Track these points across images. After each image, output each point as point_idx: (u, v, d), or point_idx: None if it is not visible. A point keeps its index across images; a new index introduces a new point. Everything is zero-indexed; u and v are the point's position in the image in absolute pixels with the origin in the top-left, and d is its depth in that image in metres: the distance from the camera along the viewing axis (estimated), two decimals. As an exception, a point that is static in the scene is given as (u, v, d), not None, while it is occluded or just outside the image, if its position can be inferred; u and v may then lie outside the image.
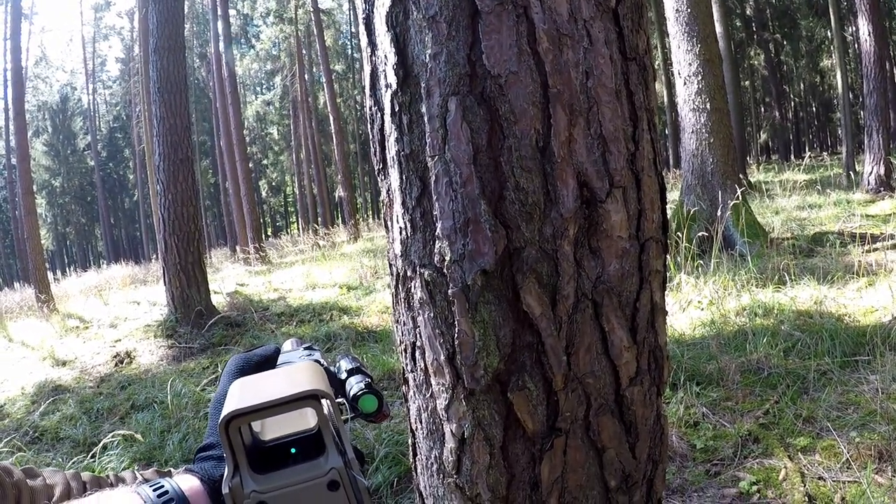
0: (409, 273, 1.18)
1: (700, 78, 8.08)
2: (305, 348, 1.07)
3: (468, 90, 1.04)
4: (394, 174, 1.17)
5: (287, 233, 58.36)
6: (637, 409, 1.17)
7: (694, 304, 5.83)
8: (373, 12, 1.18)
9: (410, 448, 1.32)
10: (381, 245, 17.05)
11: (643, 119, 1.14)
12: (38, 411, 5.80)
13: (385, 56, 1.15)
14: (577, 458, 1.14)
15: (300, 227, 40.36)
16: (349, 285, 9.86)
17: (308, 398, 0.70)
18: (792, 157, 39.34)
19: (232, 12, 31.13)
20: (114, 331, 9.27)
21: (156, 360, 7.24)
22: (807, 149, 44.73)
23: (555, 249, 1.05)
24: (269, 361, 0.98)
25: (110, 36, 57.63)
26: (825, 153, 39.86)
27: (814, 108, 47.15)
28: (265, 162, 45.78)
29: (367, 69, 1.23)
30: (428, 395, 1.21)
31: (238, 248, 24.71)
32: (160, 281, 16.88)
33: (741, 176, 8.97)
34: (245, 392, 0.73)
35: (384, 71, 1.16)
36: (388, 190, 1.22)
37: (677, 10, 8.16)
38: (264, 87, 53.04)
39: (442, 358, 1.13)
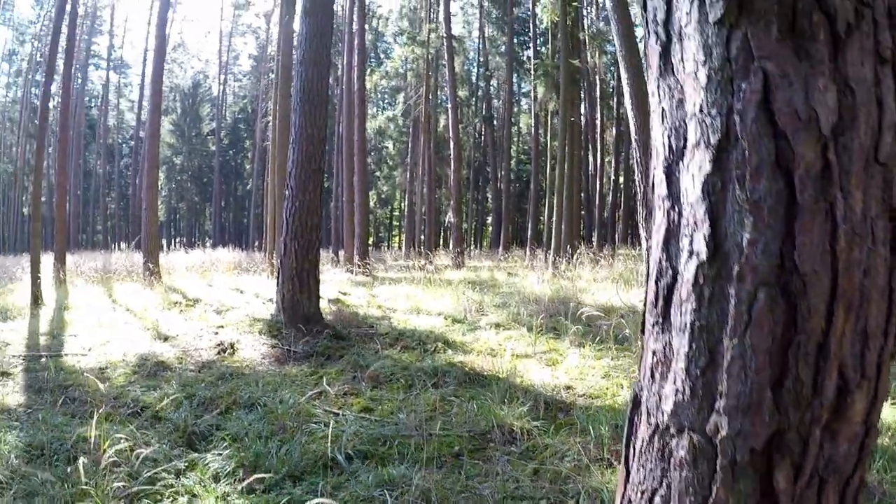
0: (672, 430, 1.26)
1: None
2: None
3: (775, 281, 1.10)
4: (681, 338, 1.23)
5: (388, 246, 59.27)
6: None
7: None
8: (680, 167, 1.22)
9: None
10: (486, 278, 16.85)
11: (894, 314, 1.19)
12: (140, 385, 5.80)
13: (694, 222, 1.19)
14: None
15: (403, 242, 40.76)
16: (454, 317, 9.65)
17: None
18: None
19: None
20: (217, 317, 9.38)
21: (258, 357, 7.19)
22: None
23: (808, 433, 1.15)
24: None
25: (246, 34, 60.25)
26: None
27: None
28: (378, 174, 46.56)
29: (660, 219, 1.28)
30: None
31: (342, 253, 25.01)
32: (263, 273, 17.34)
33: None
34: None
35: (688, 235, 1.21)
36: (667, 346, 1.27)
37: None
38: (386, 101, 54.12)
39: (689, 514, 1.23)
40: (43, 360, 6.80)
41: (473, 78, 45.39)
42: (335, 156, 34.99)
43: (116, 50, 57.12)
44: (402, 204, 47.57)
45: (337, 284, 15.63)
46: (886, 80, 1.12)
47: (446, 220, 36.99)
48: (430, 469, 3.88)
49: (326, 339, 7.72)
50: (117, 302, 11.07)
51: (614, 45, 14.75)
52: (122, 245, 53.49)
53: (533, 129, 34.34)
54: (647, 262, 1.35)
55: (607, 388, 5.70)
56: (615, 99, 35.64)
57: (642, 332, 1.38)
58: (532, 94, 32.50)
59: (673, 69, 1.24)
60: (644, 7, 1.34)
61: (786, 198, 1.08)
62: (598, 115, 36.54)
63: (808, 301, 1.09)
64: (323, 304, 10.33)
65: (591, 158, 38.21)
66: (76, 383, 5.78)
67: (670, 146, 1.24)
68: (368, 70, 31.14)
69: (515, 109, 47.07)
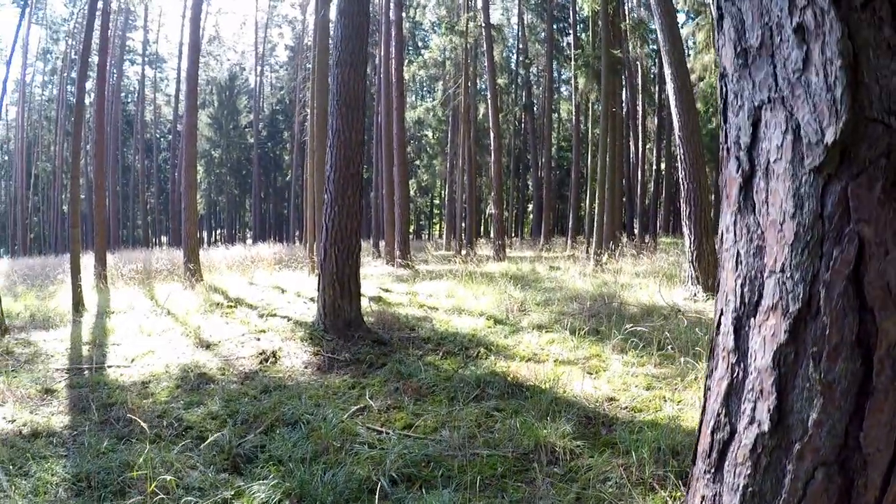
0: None
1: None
2: None
3: (835, 460, 1.03)
4: (732, 498, 1.18)
5: (429, 234, 59.32)
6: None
7: None
8: (751, 324, 1.12)
9: None
10: (527, 271, 16.70)
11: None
12: (183, 401, 5.75)
13: (760, 390, 1.11)
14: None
15: (444, 232, 40.71)
16: (496, 317, 9.51)
17: None
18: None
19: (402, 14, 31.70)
20: (260, 320, 9.35)
21: (300, 365, 7.12)
22: None
23: None
24: None
25: (282, 25, 60.54)
26: None
27: None
28: (417, 163, 46.49)
29: (723, 371, 1.21)
30: None
31: (382, 245, 25.02)
32: (304, 268, 17.39)
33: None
34: None
35: (752, 401, 1.13)
36: (717, 497, 1.22)
37: None
38: (425, 89, 54.00)
39: None
40: (86, 373, 6.81)
41: (513, 65, 45.07)
42: (374, 146, 34.99)
43: (151, 45, 57.87)
44: (443, 192, 47.54)
45: (378, 279, 15.60)
46: None
47: (487, 211, 36.72)
48: (474, 492, 3.80)
49: (368, 346, 7.65)
50: (159, 304, 11.12)
51: (656, 35, 14.40)
52: (163, 238, 54.43)
53: (574, 117, 33.94)
54: (703, 406, 1.28)
55: (650, 401, 5.55)
56: (657, 86, 35.02)
57: (692, 462, 1.32)
58: (573, 83, 32.08)
59: (754, 209, 1.11)
60: (724, 118, 1.18)
61: (861, 377, 1.00)
62: (640, 103, 35.96)
63: (866, 478, 1.02)
64: (364, 304, 10.27)
65: (631, 146, 37.67)
66: (120, 401, 5.75)
67: (742, 297, 1.12)
68: (406, 61, 31.00)
69: (556, 97, 46.65)
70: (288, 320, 9.21)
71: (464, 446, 4.52)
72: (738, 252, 1.12)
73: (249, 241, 45.61)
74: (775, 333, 1.06)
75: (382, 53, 25.77)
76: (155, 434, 4.82)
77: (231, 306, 10.79)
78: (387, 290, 13.04)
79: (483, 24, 27.26)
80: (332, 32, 10.71)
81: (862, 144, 0.96)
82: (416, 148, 45.64)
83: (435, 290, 12.81)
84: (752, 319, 1.10)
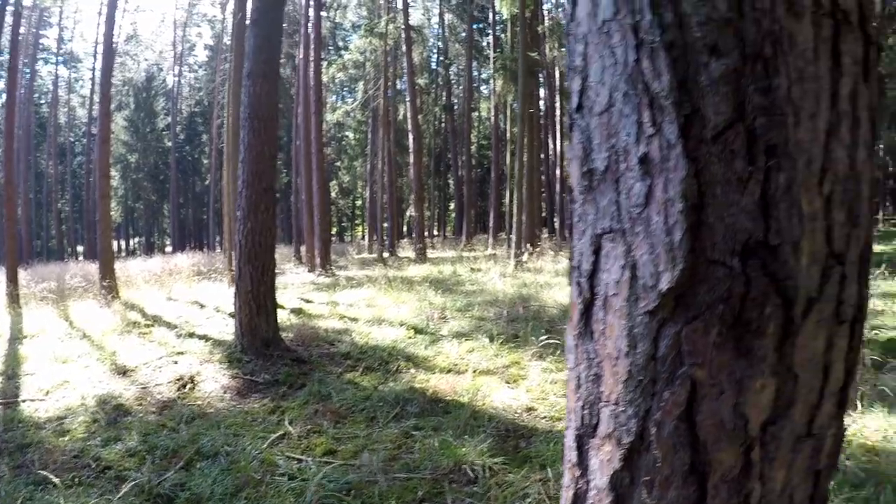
0: None
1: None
2: None
3: None
4: None
5: (352, 237, 58.82)
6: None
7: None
8: (591, 445, 1.11)
9: None
10: (448, 274, 16.88)
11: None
12: (100, 437, 5.68)
13: None
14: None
15: (367, 233, 40.55)
16: (416, 326, 9.64)
17: None
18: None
19: (322, 14, 31.41)
20: (178, 341, 9.21)
21: (219, 390, 7.09)
22: (881, 211, 43.18)
23: None
24: None
25: (202, 23, 59.06)
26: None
27: (890, 169, 45.48)
28: (339, 164, 46.19)
29: (569, 482, 1.19)
30: None
31: (304, 251, 24.80)
32: (224, 279, 17.10)
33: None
34: None
35: None
36: None
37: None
38: (346, 90, 53.67)
39: None
40: (-1, 410, 6.63)
41: (433, 65, 45.20)
42: (293, 147, 34.60)
43: (66, 43, 55.68)
44: (365, 194, 47.37)
45: (299, 289, 15.52)
46: (840, 342, 1.01)
47: (409, 212, 36.80)
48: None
49: (287, 365, 7.65)
50: (74, 326, 10.84)
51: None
52: (80, 248, 52.42)
53: (493, 116, 34.34)
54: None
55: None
56: (574, 84, 35.55)
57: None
58: (492, 84, 32.45)
59: (592, 337, 1.09)
60: (571, 236, 1.15)
61: (694, 502, 0.99)
62: (558, 103, 36.63)
63: None
64: (284, 316, 10.24)
65: (550, 144, 38.37)
66: (36, 440, 5.61)
67: (583, 419, 1.13)
68: (326, 63, 30.78)
69: (476, 96, 47.03)
70: (206, 340, 9.12)
71: (384, 470, 4.59)
72: (579, 375, 1.12)
73: (169, 250, 44.44)
74: (611, 459, 1.04)
75: (301, 55, 25.52)
76: (72, 478, 4.75)
77: (149, 325, 10.61)
78: (307, 301, 13.01)
79: (403, 26, 27.31)
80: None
81: (701, 287, 0.93)
82: (337, 149, 45.38)
83: (355, 298, 12.85)
84: (592, 440, 1.09)
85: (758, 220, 0.92)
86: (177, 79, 56.66)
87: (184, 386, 7.16)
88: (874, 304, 10.93)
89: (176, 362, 8.10)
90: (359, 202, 57.34)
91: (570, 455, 1.17)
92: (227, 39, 42.86)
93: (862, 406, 5.40)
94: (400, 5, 29.00)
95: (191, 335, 9.61)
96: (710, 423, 0.96)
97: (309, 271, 20.24)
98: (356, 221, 61.75)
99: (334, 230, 55.21)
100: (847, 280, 0.99)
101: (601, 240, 1.04)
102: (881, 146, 43.12)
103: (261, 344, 8.05)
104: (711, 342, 0.94)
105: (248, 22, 9.75)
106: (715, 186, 0.92)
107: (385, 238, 32.04)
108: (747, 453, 0.98)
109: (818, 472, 1.05)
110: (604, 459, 1.07)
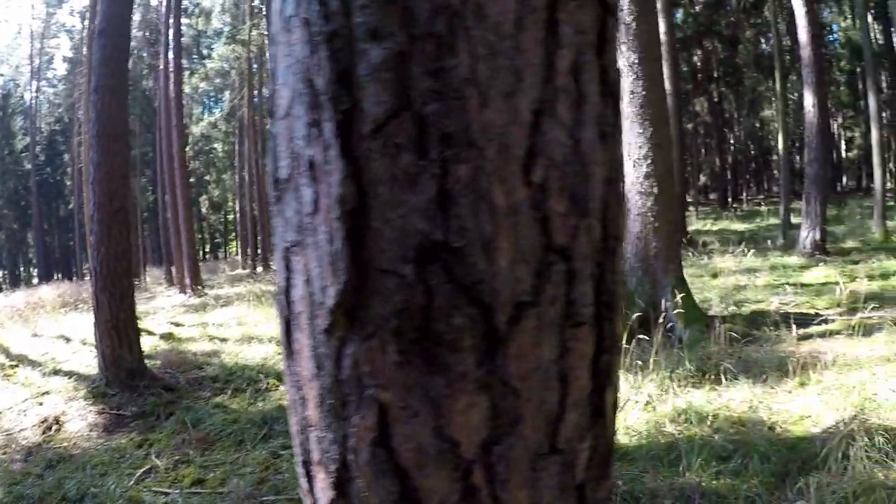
0: None
1: (649, 162, 8.17)
2: None
3: None
4: None
5: (226, 253, 57.12)
6: None
7: (631, 404, 5.83)
8: (313, 473, 1.01)
9: None
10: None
11: None
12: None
13: None
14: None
15: (240, 247, 39.64)
16: (287, 341, 9.66)
17: None
18: (730, 199, 40.74)
19: (185, 21, 30.51)
20: (43, 380, 8.86)
21: (85, 428, 6.92)
22: (745, 192, 46.44)
23: None
24: None
25: (60, 34, 55.61)
26: (762, 196, 41.56)
27: (752, 153, 48.92)
28: (207, 178, 44.88)
29: None
30: None
31: (174, 271, 24.06)
32: (91, 309, 16.39)
33: (682, 232, 9.08)
34: None
35: None
36: None
37: (632, 91, 8.20)
38: (212, 100, 52.23)
39: None
40: None
41: (300, 71, 44.51)
42: (158, 164, 33.44)
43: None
44: (236, 207, 46.26)
45: (169, 312, 15.19)
46: (579, 346, 0.88)
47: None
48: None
49: (155, 395, 7.53)
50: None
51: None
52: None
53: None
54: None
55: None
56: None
57: None
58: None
59: (293, 357, 0.98)
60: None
61: None
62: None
63: None
64: (153, 342, 10.04)
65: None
66: None
67: (302, 445, 1.02)
68: (189, 72, 29.96)
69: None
70: (71, 377, 8.83)
71: (252, 496, 4.65)
72: (293, 398, 1.01)
73: (36, 281, 42.03)
74: (325, 487, 0.97)
75: (162, 64, 24.68)
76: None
77: (13, 366, 10.17)
78: (177, 325, 12.77)
79: (267, 33, 26.84)
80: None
81: (374, 300, 0.84)
82: (205, 163, 44.07)
83: (226, 318, 12.72)
84: (312, 467, 1.00)
85: (435, 221, 0.81)
86: (35, 95, 53.15)
87: (49, 428, 6.96)
88: (738, 279, 11.88)
89: (41, 403, 7.84)
90: (231, 216, 55.73)
91: (303, 482, 1.06)
92: (86, 50, 40.73)
93: (726, 380, 5.89)
94: (265, 12, 28.56)
95: (56, 372, 9.28)
96: (409, 449, 0.89)
97: (180, 292, 19.73)
98: (230, 237, 59.87)
99: (207, 247, 53.57)
100: (577, 277, 0.87)
101: (289, 253, 0.95)
102: (741, 132, 46.28)
103: (126, 375, 7.85)
104: (391, 361, 0.86)
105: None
106: (377, 186, 0.82)
107: (258, 252, 31.45)
108: (465, 478, 0.89)
109: (581, 487, 0.95)
110: (322, 487, 0.99)
